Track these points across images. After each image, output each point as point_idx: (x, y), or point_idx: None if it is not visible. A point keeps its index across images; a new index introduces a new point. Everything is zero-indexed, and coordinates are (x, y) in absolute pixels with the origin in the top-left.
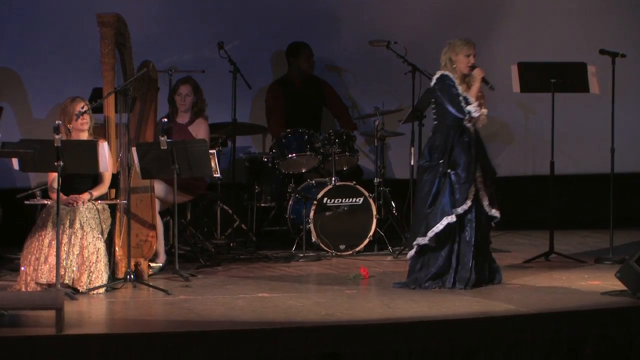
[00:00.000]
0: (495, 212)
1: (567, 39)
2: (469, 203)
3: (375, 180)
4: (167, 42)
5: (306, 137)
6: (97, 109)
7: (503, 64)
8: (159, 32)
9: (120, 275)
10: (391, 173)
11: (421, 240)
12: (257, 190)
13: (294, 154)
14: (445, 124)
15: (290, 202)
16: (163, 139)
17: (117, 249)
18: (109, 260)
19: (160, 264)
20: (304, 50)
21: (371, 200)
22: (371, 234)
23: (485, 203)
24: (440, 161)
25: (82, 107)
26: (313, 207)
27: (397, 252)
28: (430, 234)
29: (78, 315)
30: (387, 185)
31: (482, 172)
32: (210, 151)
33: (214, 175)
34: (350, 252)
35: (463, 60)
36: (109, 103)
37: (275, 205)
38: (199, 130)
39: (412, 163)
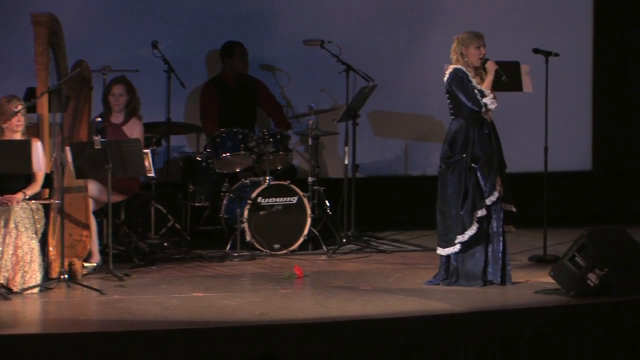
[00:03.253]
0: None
1: (500, 37)
2: (496, 194)
3: (310, 180)
4: (101, 42)
5: (240, 136)
6: (31, 109)
7: (437, 63)
8: (93, 32)
9: (54, 275)
10: (325, 172)
11: (461, 238)
12: (191, 190)
13: (228, 154)
14: (462, 117)
15: (224, 202)
16: (97, 138)
17: (50, 248)
18: (43, 260)
19: (94, 264)
20: (238, 50)
21: (305, 200)
22: (305, 233)
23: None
24: (463, 155)
25: (17, 107)
26: (247, 207)
27: (331, 251)
28: (470, 232)
29: (12, 315)
30: (322, 185)
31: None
32: (144, 150)
33: (148, 174)
34: (285, 251)
35: (474, 52)
36: (43, 102)
37: (210, 205)
38: (133, 130)
39: (346, 162)
